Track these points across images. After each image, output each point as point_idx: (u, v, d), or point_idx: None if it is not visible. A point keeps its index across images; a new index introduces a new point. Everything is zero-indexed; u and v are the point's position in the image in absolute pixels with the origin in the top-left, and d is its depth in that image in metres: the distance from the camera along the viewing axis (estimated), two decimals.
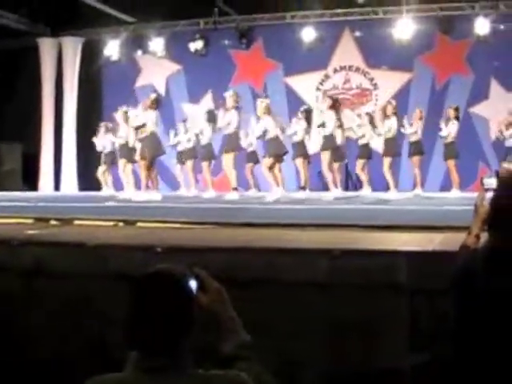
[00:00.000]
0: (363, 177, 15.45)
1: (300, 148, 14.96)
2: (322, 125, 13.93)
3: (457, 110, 14.84)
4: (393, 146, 14.72)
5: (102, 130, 16.83)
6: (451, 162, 14.63)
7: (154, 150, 13.37)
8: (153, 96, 13.81)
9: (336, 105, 14.16)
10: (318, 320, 4.74)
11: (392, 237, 6.26)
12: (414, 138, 14.98)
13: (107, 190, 16.53)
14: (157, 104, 13.62)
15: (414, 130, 14.82)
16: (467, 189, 14.45)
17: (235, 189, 13.80)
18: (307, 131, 14.90)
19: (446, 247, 5.06)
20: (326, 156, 13.84)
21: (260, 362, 2.51)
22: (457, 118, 14.70)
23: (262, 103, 13.82)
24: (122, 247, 5.76)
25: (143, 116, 13.63)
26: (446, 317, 3.13)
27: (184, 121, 16.95)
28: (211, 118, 15.23)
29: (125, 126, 15.22)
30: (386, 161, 14.70)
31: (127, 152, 15.24)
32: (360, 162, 15.42)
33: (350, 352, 4.69)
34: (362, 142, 15.53)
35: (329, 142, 13.85)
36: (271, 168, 13.51)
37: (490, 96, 16.93)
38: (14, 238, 6.14)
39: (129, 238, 6.59)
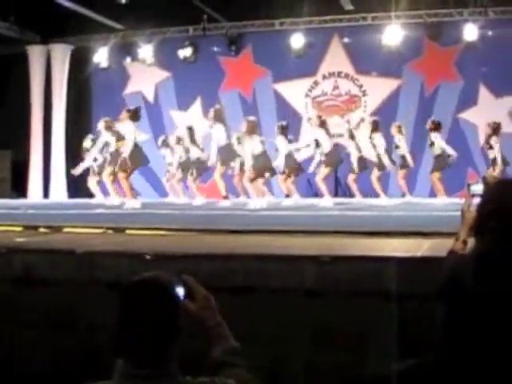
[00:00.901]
0: (354, 187, 15.36)
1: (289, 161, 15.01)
2: (317, 144, 14.06)
3: (434, 122, 14.92)
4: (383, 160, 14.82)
5: (88, 143, 16.57)
6: (436, 175, 14.75)
7: (137, 162, 13.39)
8: (132, 108, 13.74)
9: (324, 123, 14.33)
10: (306, 327, 4.75)
11: (381, 243, 6.28)
12: (399, 152, 15.07)
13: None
14: (137, 116, 13.56)
15: (399, 144, 14.96)
16: (456, 194, 14.49)
17: (225, 197, 13.84)
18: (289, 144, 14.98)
19: (434, 253, 5.08)
20: (325, 171, 14.01)
21: (248, 368, 2.51)
22: (436, 129, 14.80)
23: (249, 123, 13.79)
24: (111, 254, 5.76)
25: (121, 128, 13.58)
26: (435, 322, 3.14)
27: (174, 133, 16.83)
28: (192, 134, 15.35)
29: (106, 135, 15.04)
30: (375, 173, 14.81)
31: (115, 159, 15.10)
32: (352, 175, 15.30)
33: (338, 359, 4.69)
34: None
35: (331, 159, 14.00)
36: (253, 180, 13.53)
37: (479, 102, 16.98)
38: (3, 245, 6.13)
39: (118, 245, 6.59)
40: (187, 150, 15.70)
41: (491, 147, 14.26)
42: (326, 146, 14.13)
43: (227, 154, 13.87)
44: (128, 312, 2.35)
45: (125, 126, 13.40)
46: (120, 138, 13.57)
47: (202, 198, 14.79)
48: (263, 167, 13.72)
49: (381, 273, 4.84)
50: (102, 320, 2.53)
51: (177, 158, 16.13)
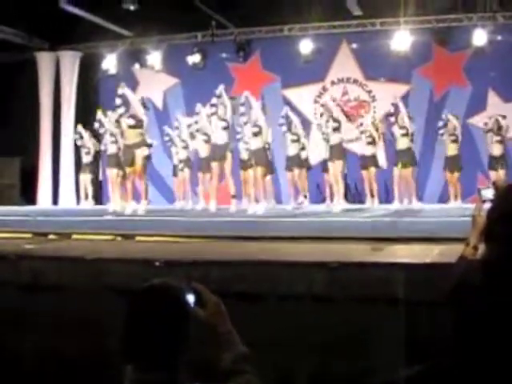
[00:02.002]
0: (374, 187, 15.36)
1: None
2: (337, 128, 14.01)
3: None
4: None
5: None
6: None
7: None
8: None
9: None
10: (314, 333, 4.75)
11: (389, 249, 6.28)
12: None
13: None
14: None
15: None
16: (466, 200, 14.49)
17: (234, 196, 13.88)
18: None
19: (444, 259, 5.07)
20: (338, 166, 14.02)
21: (258, 375, 2.52)
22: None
23: None
24: (121, 261, 5.78)
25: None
26: (444, 329, 3.14)
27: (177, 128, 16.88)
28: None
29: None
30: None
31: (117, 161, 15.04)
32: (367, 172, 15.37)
33: (347, 366, 4.69)
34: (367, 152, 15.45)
35: (340, 151, 14.05)
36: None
37: (488, 107, 16.95)
38: (12, 252, 6.16)
39: (127, 252, 6.61)
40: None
41: None
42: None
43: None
44: (138, 319, 2.37)
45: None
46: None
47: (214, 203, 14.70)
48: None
49: (389, 279, 4.84)
50: (112, 327, 2.54)
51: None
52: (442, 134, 15.41)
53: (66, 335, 5.18)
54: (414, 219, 10.76)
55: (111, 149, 15.23)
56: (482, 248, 3.15)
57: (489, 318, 2.80)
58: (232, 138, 14.21)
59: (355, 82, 18.34)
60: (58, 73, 19.85)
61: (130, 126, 13.24)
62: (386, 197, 16.37)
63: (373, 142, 15.36)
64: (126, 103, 13.51)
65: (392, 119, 15.02)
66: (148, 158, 13.51)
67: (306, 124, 17.12)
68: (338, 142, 13.99)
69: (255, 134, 13.55)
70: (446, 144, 15.38)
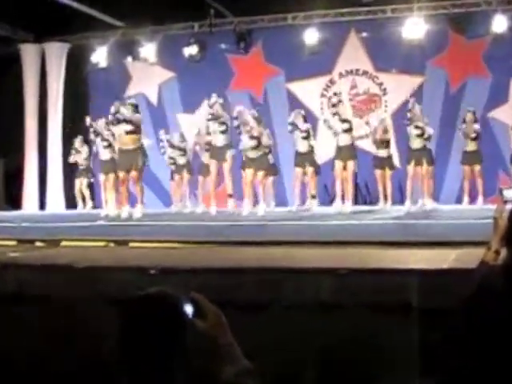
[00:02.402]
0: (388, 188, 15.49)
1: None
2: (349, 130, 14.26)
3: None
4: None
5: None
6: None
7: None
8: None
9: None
10: (321, 344, 4.76)
11: (403, 254, 6.29)
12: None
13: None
14: None
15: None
16: (487, 200, 14.52)
17: (230, 195, 14.21)
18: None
19: (461, 264, 5.09)
20: (350, 166, 14.27)
21: None
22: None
23: None
24: (113, 269, 5.80)
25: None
26: (461, 339, 3.15)
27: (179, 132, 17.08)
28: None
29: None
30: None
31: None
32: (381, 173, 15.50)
33: (359, 376, 4.71)
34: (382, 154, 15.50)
35: (352, 152, 14.31)
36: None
37: (510, 99, 16.93)
38: None
39: (120, 260, 6.63)
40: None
41: None
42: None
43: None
44: (132, 331, 2.38)
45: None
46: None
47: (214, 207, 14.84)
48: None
49: (403, 286, 4.85)
50: (104, 339, 2.55)
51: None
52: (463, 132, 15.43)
53: (55, 348, 5.19)
54: (430, 221, 10.77)
55: (105, 154, 15.38)
56: (504, 252, 3.15)
57: (510, 325, 2.81)
58: (232, 140, 14.37)
59: (365, 74, 18.33)
60: (43, 66, 19.83)
61: (128, 132, 13.63)
62: (400, 198, 16.39)
63: (387, 145, 15.41)
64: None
65: (406, 122, 15.04)
66: (145, 164, 13.99)
67: (312, 120, 17.13)
68: (349, 143, 14.20)
69: (253, 148, 14.09)
70: (465, 141, 15.37)
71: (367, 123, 16.13)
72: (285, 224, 10.96)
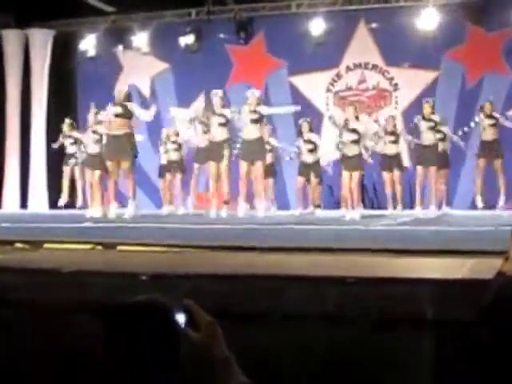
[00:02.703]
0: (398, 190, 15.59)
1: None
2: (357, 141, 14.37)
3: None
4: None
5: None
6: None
7: None
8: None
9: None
10: (325, 360, 4.75)
11: (414, 262, 6.28)
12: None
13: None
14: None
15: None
16: (504, 206, 14.52)
17: (227, 202, 14.27)
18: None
19: (477, 275, 5.08)
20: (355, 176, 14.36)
21: None
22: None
23: None
24: (101, 274, 5.78)
25: None
26: (477, 353, 3.15)
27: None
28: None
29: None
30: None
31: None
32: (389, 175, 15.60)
33: None
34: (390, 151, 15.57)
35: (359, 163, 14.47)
36: None
37: None
38: None
39: (108, 264, 6.61)
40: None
41: None
42: None
43: None
44: (120, 340, 2.37)
45: None
46: None
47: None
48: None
49: (414, 297, 4.84)
50: (90, 349, 2.54)
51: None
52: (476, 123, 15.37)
53: (37, 359, 5.18)
54: (443, 228, 10.75)
55: (93, 148, 15.22)
56: None
57: None
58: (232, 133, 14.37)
59: (374, 67, 18.35)
60: (27, 55, 19.80)
61: (118, 115, 13.40)
62: (411, 202, 16.40)
63: (396, 139, 15.46)
64: None
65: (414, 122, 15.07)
66: (135, 156, 13.71)
67: (316, 116, 17.13)
68: (356, 153, 14.26)
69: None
70: (483, 128, 15.20)
71: (376, 121, 16.15)
72: (287, 228, 10.94)
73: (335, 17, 17.63)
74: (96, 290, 5.52)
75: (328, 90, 18.50)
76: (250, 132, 13.80)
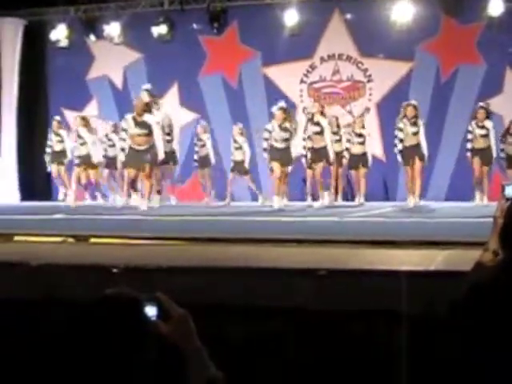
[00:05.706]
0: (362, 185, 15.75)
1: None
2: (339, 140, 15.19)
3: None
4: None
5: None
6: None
7: None
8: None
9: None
10: (298, 352, 4.75)
11: (388, 254, 6.29)
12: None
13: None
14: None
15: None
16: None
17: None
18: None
19: (450, 266, 5.09)
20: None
21: None
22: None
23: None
24: (72, 267, 5.75)
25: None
26: (452, 346, 3.14)
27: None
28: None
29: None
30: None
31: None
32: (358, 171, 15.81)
33: None
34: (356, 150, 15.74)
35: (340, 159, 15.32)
36: None
37: (505, 89, 16.97)
38: None
39: (80, 257, 6.58)
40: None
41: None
42: None
43: None
44: (88, 336, 2.34)
45: None
46: None
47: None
48: None
49: (387, 289, 4.85)
50: (58, 345, 2.51)
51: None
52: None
53: (4, 357, 5.15)
54: (416, 219, 10.80)
55: (80, 151, 16.34)
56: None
57: (508, 332, 2.80)
58: None
59: (348, 59, 18.32)
60: None
61: (141, 135, 14.37)
62: (385, 195, 16.44)
63: (363, 141, 15.68)
64: None
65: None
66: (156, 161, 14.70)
67: (290, 107, 17.11)
68: (322, 145, 14.85)
69: None
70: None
71: (350, 112, 16.18)
72: (260, 220, 10.95)
73: (309, 7, 17.59)
74: (66, 283, 5.49)
75: (302, 81, 18.47)
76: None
